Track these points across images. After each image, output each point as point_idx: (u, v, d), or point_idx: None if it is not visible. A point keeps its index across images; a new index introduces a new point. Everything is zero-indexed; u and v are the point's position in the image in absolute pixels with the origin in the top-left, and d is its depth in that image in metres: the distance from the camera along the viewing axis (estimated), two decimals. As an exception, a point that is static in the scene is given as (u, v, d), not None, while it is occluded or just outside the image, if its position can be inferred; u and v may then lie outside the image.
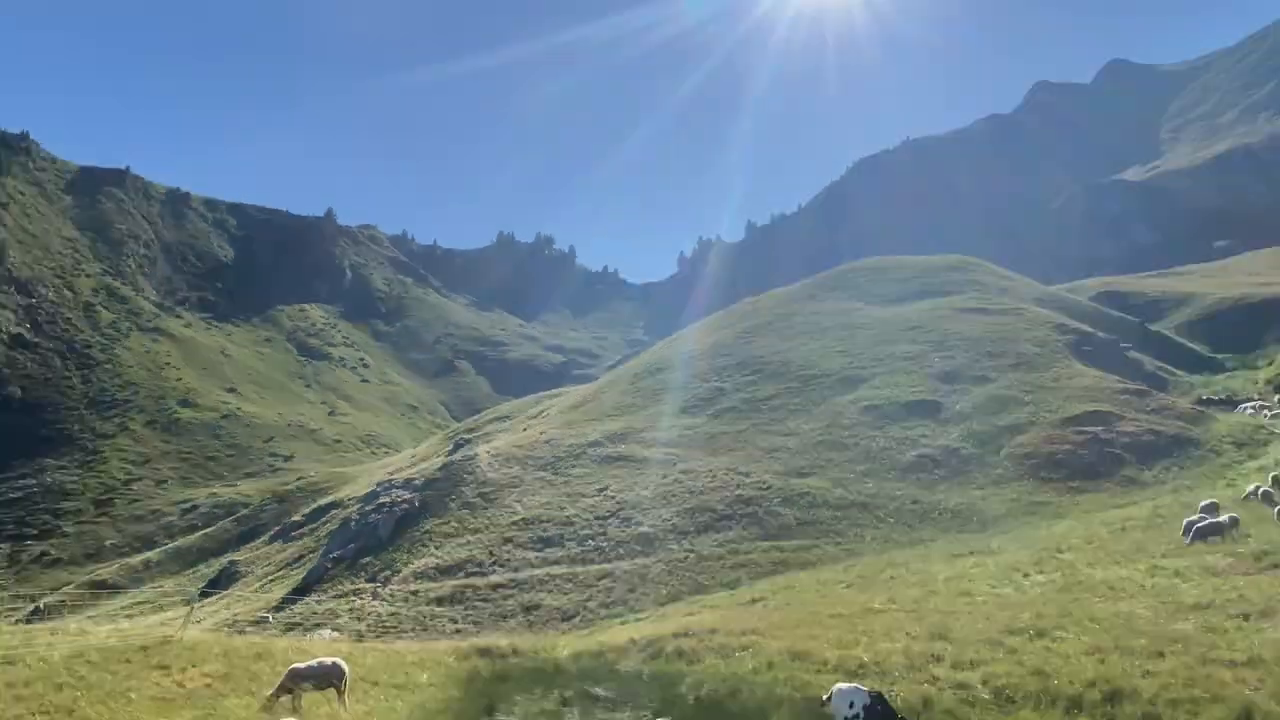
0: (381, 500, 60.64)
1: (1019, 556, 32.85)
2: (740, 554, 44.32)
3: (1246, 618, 20.17)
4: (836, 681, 16.21)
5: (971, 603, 25.88)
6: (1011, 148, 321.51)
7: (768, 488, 51.73)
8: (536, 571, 45.41)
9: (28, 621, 54.95)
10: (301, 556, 66.47)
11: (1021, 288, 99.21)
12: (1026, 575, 29.31)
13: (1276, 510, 31.89)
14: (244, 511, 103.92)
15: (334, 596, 48.64)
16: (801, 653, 20.42)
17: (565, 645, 24.99)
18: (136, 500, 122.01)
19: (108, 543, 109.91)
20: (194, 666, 19.06)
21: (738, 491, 51.62)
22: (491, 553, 48.43)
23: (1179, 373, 76.39)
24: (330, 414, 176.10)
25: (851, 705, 14.32)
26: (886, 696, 14.77)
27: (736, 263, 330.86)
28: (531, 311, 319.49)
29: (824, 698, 15.29)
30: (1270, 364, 74.64)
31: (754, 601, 33.35)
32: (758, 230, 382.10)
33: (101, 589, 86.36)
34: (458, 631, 38.51)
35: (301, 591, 52.36)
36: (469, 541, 50.52)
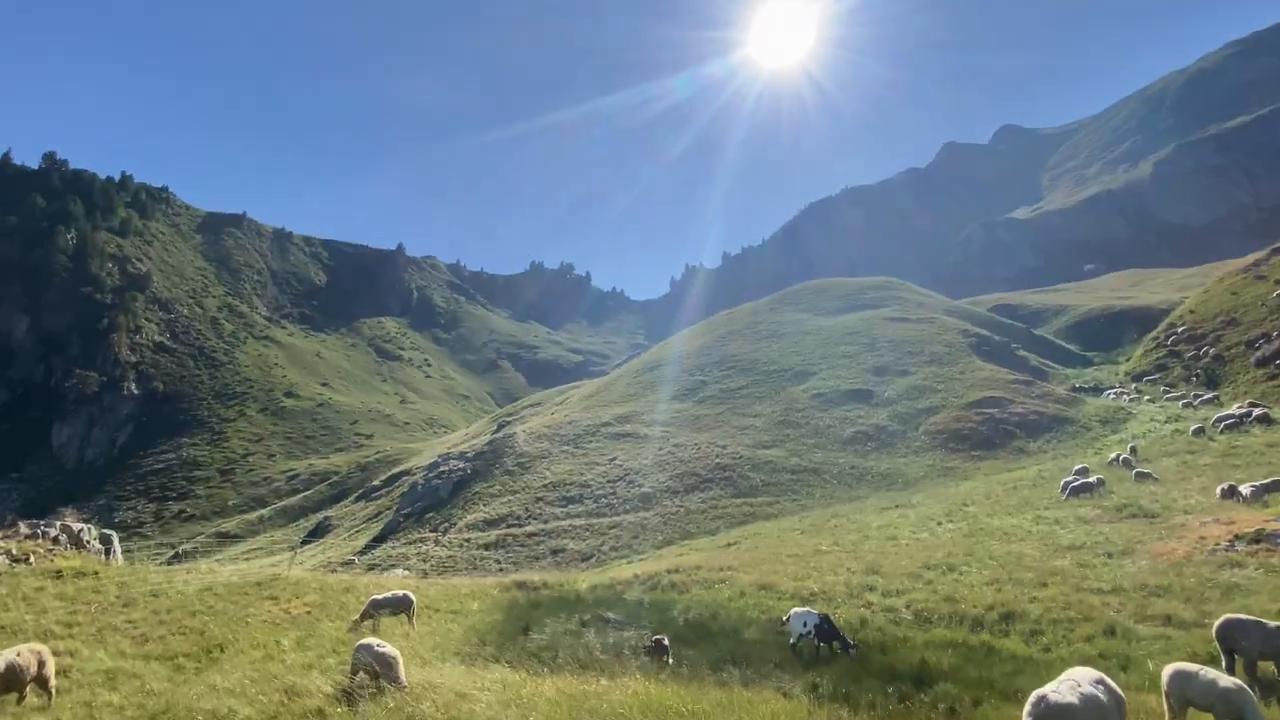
0: (441, 469, 60.59)
1: (934, 509, 32.80)
2: (719, 508, 44.29)
3: (1111, 556, 20.13)
4: (793, 606, 16.17)
5: (897, 545, 25.83)
6: (926, 194, 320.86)
7: (740, 457, 51.67)
8: (561, 523, 45.40)
9: (169, 564, 54.90)
10: (380, 513, 66.44)
11: (934, 302, 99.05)
12: (940, 524, 29.24)
13: (1134, 472, 31.82)
14: (335, 478, 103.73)
15: (405, 543, 48.60)
16: (766, 584, 20.38)
17: (584, 580, 24.94)
18: (252, 470, 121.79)
19: (230, 503, 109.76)
20: (297, 598, 19.00)
21: (717, 460, 51.56)
22: (527, 509, 48.41)
23: (1057, 367, 76.22)
24: (402, 402, 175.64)
25: (805, 624, 14.29)
26: (832, 618, 14.73)
27: (715, 284, 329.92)
28: (556, 322, 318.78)
29: (784, 619, 15.27)
30: (1128, 359, 74.42)
31: (729, 545, 33.31)
32: (731, 259, 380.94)
33: (226, 538, 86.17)
34: (501, 570, 38.50)
35: (380, 540, 52.32)
36: (509, 500, 50.50)
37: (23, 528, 24.22)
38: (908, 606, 17.41)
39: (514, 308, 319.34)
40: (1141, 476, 30.78)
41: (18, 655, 10.55)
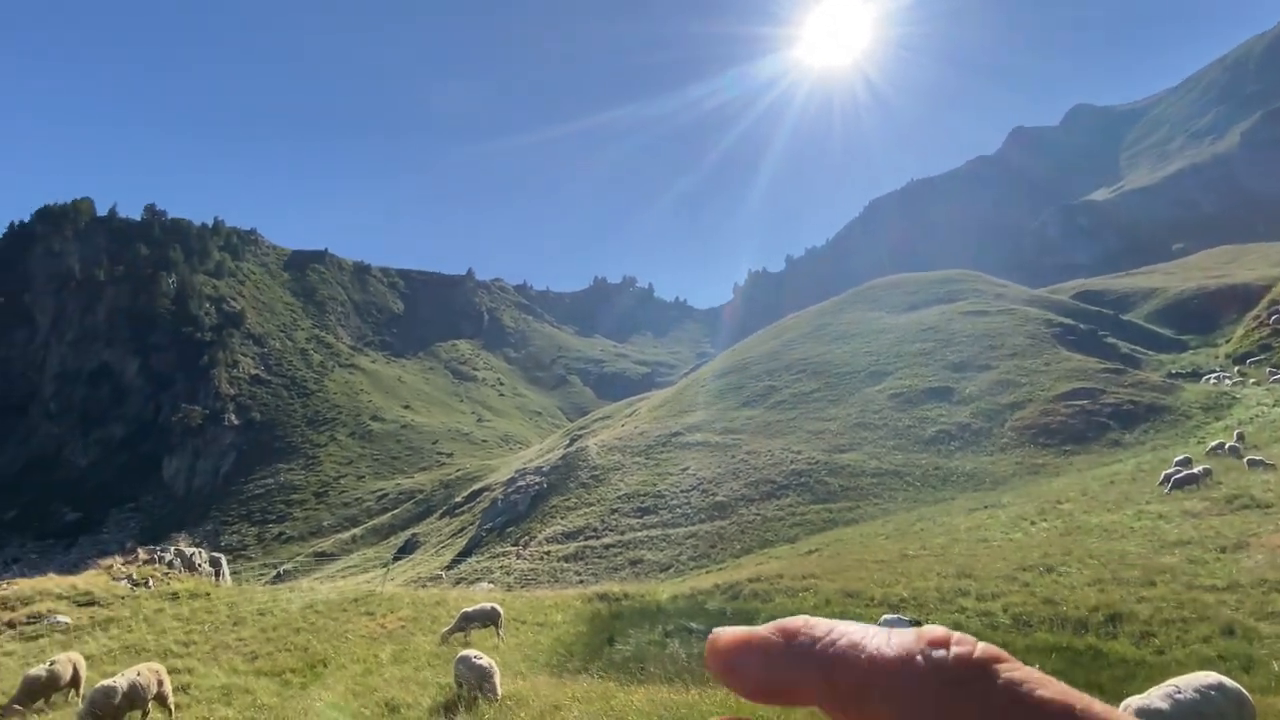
0: (519, 484, 61.66)
1: (1025, 508, 31.24)
2: (797, 515, 43.43)
3: (1224, 550, 18.67)
4: (882, 613, 15.67)
5: (989, 547, 24.70)
6: (997, 181, 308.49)
7: (816, 462, 50.59)
8: (638, 534, 45.41)
9: (272, 583, 57.66)
10: (463, 528, 67.98)
11: (1012, 293, 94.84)
12: (1033, 523, 27.83)
13: (1246, 460, 29.45)
14: (420, 496, 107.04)
15: (488, 558, 49.58)
16: (852, 591, 19.82)
17: (664, 590, 24.82)
18: (344, 491, 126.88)
19: (325, 523, 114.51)
20: (392, 613, 19.61)
21: (792, 466, 50.63)
22: (603, 520, 48.67)
23: (1150, 353, 71.65)
24: (478, 421, 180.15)
25: (896, 632, 13.80)
26: (924, 624, 14.18)
27: (780, 287, 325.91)
28: (622, 335, 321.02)
29: (873, 626, 14.77)
30: (1228, 341, 69.35)
31: (810, 553, 32.56)
32: (795, 261, 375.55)
33: (323, 557, 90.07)
34: (581, 582, 38.71)
35: (465, 554, 53.59)
36: (585, 513, 50.88)
37: (141, 554, 25.93)
38: (1005, 610, 16.61)
39: (580, 323, 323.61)
40: (1254, 464, 28.45)
41: (138, 675, 11.23)
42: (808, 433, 57.45)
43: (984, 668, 0.40)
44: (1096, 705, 0.39)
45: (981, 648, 0.43)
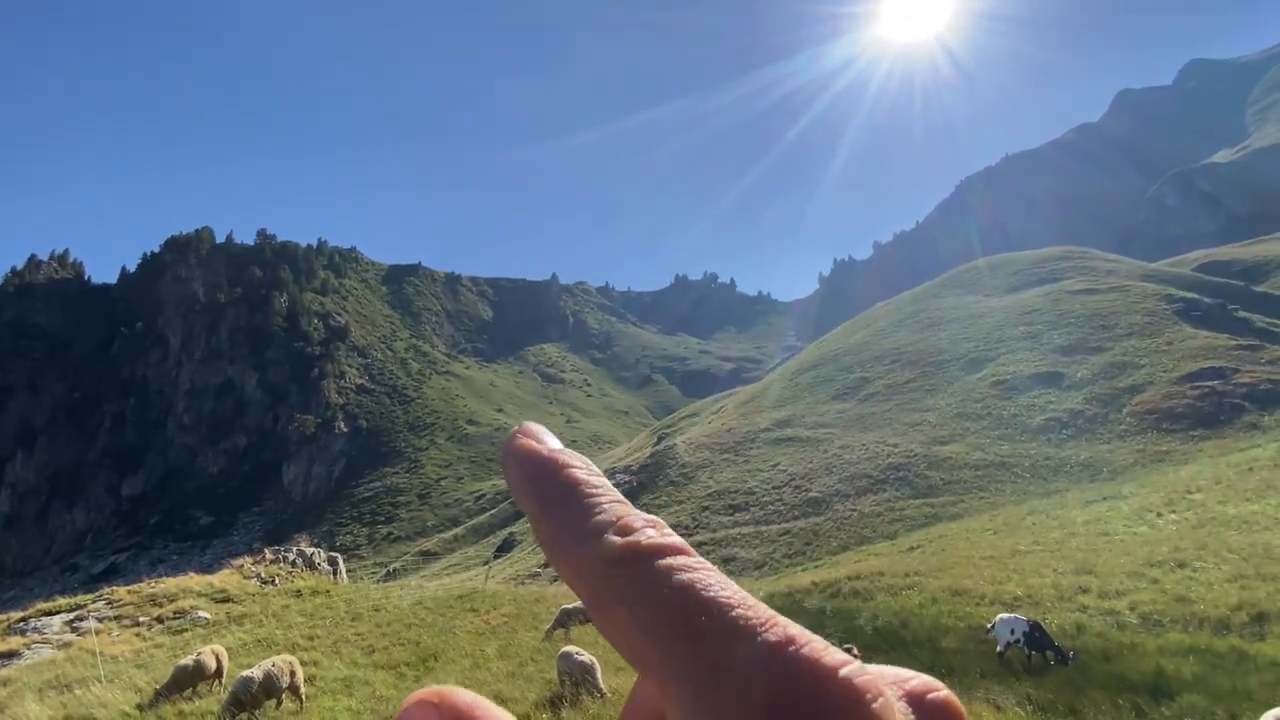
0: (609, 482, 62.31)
1: (1150, 499, 28.99)
2: (896, 511, 41.97)
3: (1391, 543, 16.72)
4: (994, 613, 14.93)
5: (1110, 541, 23.07)
6: (1102, 150, 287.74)
7: (914, 455, 48.74)
8: (730, 531, 45.07)
9: (383, 581, 60.67)
10: (558, 528, 68.99)
11: (1126, 268, 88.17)
12: (1160, 515, 25.80)
13: None
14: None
15: (584, 556, 50.27)
16: (960, 589, 18.95)
17: (759, 589, 24.52)
18: (445, 493, 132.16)
19: (429, 523, 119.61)
20: (495, 609, 20.25)
21: (888, 460, 48.97)
22: (694, 518, 48.57)
23: (1291, 326, 64.96)
24: (567, 422, 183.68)
25: (1013, 631, 13.13)
26: (1043, 624, 13.45)
27: (868, 275, 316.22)
28: (706, 332, 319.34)
29: (988, 626, 14.10)
30: (1388, 310, 62.07)
31: (912, 549, 31.39)
32: (883, 247, 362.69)
33: (428, 556, 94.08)
34: (676, 579, 38.60)
35: (561, 553, 54.65)
36: (676, 510, 50.90)
37: (268, 554, 27.88)
38: (1131, 609, 15.46)
39: (663, 322, 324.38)
40: None
41: (273, 666, 12.09)
42: (904, 425, 55.44)
43: (648, 554, 0.37)
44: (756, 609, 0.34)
45: (669, 540, 0.39)
